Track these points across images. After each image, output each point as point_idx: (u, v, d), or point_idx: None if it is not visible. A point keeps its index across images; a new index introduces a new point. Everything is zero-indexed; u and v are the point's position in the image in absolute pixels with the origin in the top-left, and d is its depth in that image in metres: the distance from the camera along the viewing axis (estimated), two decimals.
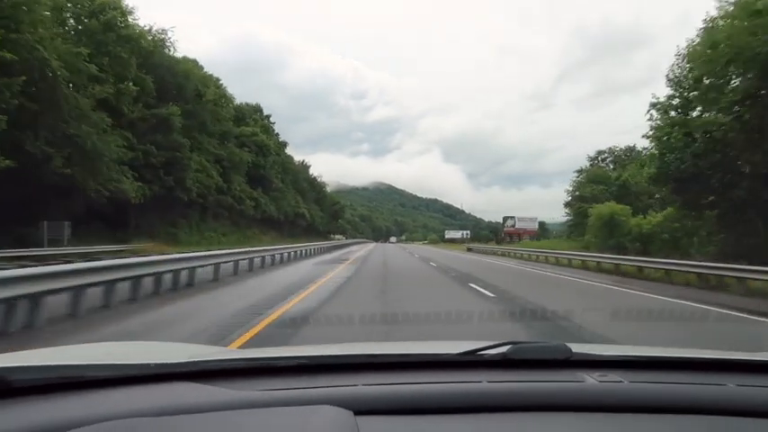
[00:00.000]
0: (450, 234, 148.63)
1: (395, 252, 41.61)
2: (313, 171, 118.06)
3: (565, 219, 61.33)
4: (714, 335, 7.81)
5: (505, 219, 78.29)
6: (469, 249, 52.60)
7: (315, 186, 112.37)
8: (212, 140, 48.73)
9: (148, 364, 1.39)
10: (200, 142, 45.86)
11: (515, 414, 1.22)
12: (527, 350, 1.50)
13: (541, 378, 1.39)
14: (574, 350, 1.51)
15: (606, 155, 53.89)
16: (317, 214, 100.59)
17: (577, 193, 52.59)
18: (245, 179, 63.73)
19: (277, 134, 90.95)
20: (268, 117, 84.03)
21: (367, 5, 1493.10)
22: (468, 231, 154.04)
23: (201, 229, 44.05)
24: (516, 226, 77.17)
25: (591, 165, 55.02)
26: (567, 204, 48.30)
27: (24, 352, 1.88)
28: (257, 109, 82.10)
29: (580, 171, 55.58)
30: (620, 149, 53.08)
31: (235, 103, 76.21)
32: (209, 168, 42.29)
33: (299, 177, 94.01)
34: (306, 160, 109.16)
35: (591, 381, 1.37)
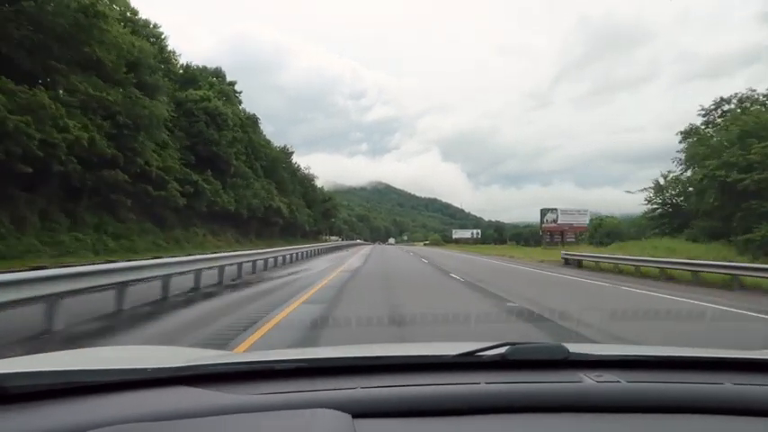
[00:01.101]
0: (458, 234, 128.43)
1: (412, 271, 20.66)
2: (299, 161, 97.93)
3: (641, 208, 41.34)
4: None
5: (544, 212, 57.83)
6: (573, 263, 24.68)
7: (298, 177, 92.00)
8: (103, 84, 28.66)
9: (146, 369, 1.35)
10: (62, 74, 25.71)
11: (513, 415, 1.20)
12: (525, 351, 1.45)
13: (539, 379, 1.35)
14: (571, 350, 1.46)
15: (732, 104, 33.63)
16: (301, 211, 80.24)
17: (691, 163, 32.52)
18: (187, 155, 43.80)
19: (255, 118, 70.92)
20: (232, 84, 63.81)
21: (366, 5, 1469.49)
22: (479, 231, 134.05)
23: (55, 229, 23.86)
24: (559, 221, 56.88)
25: (706, 124, 34.93)
26: (703, 180, 27.89)
27: (21, 358, 1.68)
28: (217, 73, 61.90)
29: (688, 132, 35.47)
30: (757, 95, 32.82)
31: (183, 61, 56.64)
32: (57, 114, 21.98)
33: (277, 165, 73.70)
34: (289, 146, 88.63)
35: (588, 381, 1.34)
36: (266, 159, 68.88)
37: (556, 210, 57.29)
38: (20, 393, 1.20)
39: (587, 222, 56.24)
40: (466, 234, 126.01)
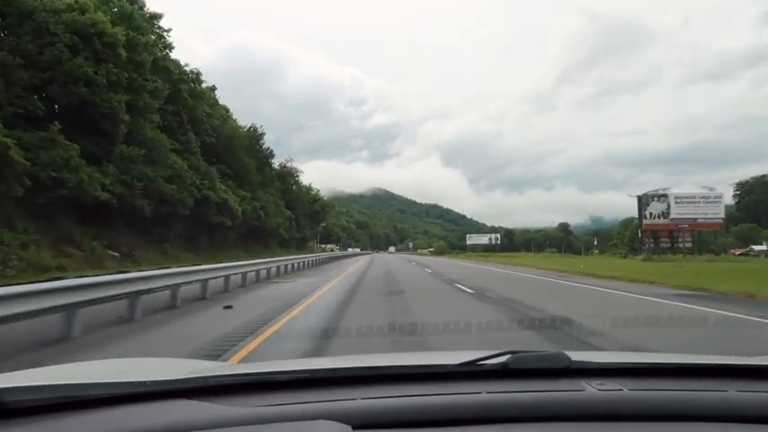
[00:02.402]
0: (473, 239, 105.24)
1: None
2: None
3: None
4: None
5: (646, 200, 34.69)
6: None
7: (276, 171, 69.39)
8: None
9: (145, 382, 1.31)
10: None
11: (515, 425, 1.17)
12: (526, 359, 1.42)
13: (541, 388, 1.32)
14: (573, 358, 1.42)
15: None
16: (270, 210, 57.41)
17: None
18: (30, 101, 21.60)
19: (197, 72, 48.57)
20: (155, 17, 41.12)
21: (367, 11, 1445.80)
22: (498, 235, 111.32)
23: None
24: (672, 215, 33.95)
25: None
26: None
27: (22, 372, 1.62)
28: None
29: None
30: None
31: None
32: None
33: (234, 146, 51.05)
34: (262, 127, 65.68)
35: (590, 389, 1.30)
36: (215, 135, 46.35)
37: (666, 196, 34.11)
38: (20, 408, 1.16)
39: (721, 215, 33.16)
40: (482, 240, 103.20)
